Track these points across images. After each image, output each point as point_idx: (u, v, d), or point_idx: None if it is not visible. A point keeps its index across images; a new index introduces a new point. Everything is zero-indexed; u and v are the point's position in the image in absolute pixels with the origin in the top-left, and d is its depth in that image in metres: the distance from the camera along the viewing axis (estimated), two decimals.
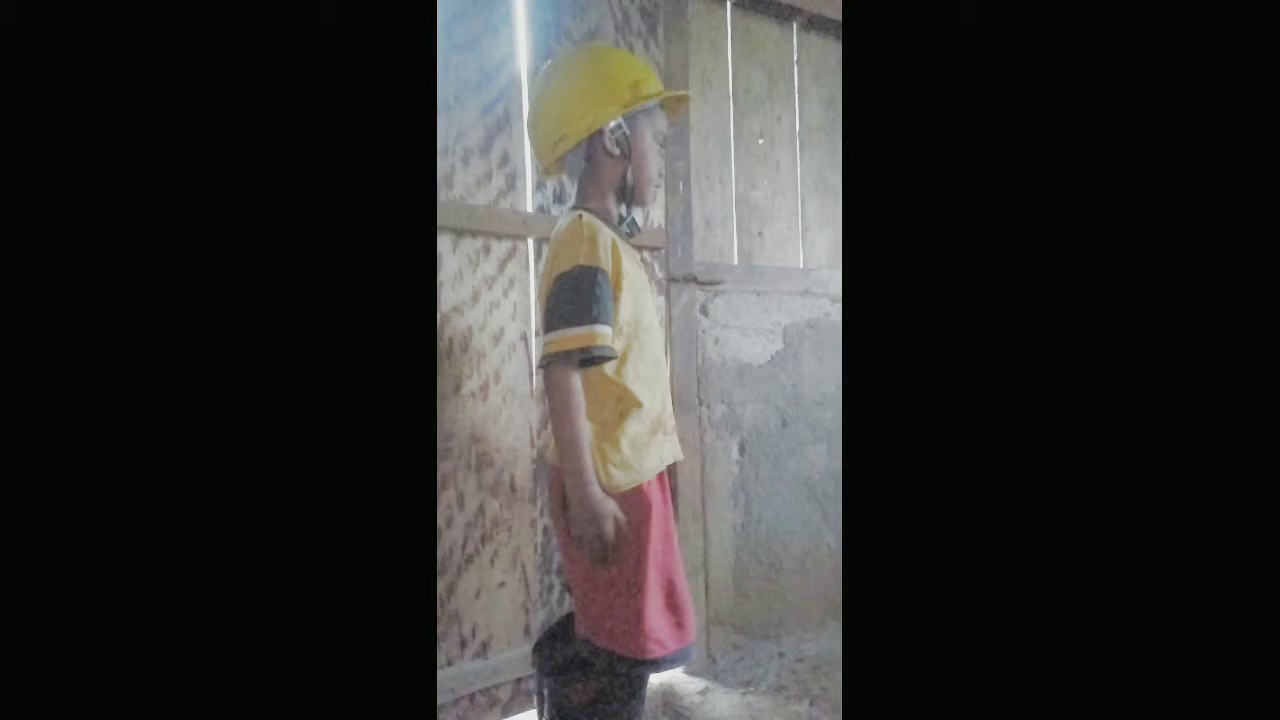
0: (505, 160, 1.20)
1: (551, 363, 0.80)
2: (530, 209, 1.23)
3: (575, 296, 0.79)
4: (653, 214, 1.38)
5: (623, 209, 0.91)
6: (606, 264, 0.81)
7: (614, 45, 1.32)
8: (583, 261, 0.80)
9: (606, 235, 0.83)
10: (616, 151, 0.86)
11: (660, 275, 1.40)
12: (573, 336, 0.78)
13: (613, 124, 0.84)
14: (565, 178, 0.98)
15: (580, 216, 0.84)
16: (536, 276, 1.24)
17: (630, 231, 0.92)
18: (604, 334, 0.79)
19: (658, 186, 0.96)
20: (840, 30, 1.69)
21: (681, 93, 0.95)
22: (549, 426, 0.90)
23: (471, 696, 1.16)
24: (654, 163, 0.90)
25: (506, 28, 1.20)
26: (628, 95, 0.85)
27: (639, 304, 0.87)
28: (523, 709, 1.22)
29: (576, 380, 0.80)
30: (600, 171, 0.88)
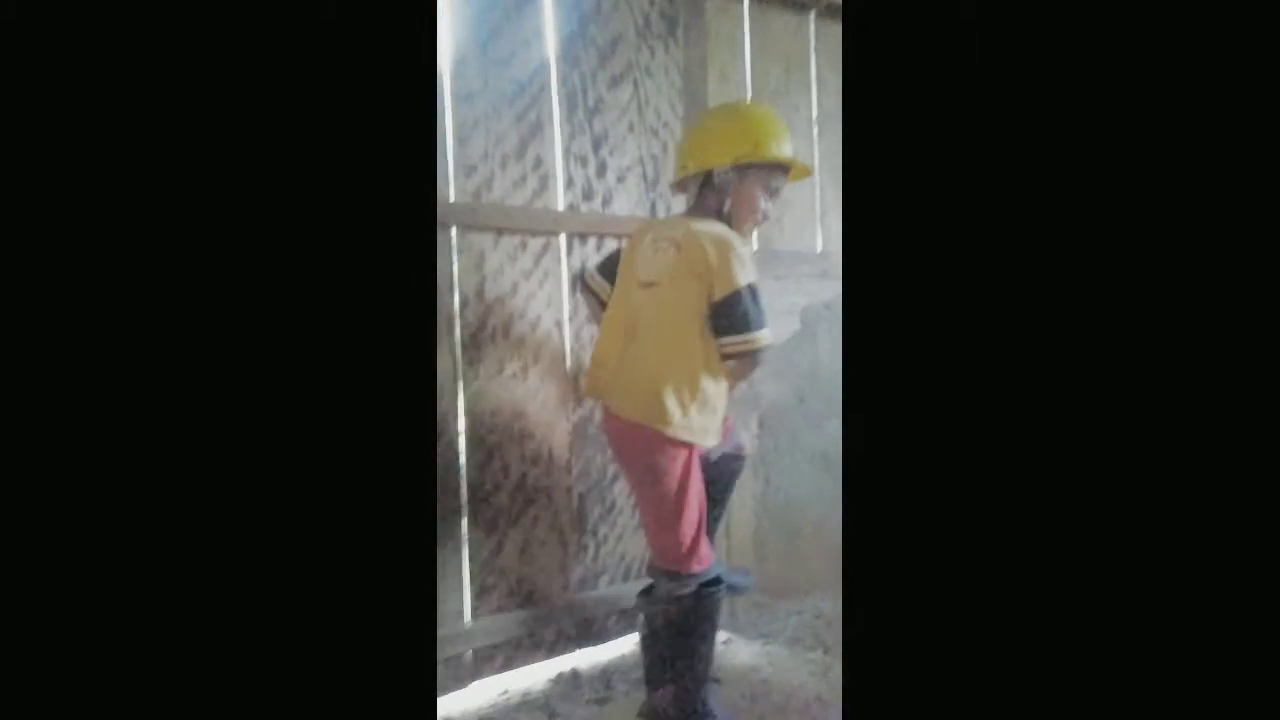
0: (538, 164, 1.32)
1: (750, 355, 1.03)
2: (561, 207, 1.35)
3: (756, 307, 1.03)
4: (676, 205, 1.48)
5: None
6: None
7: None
8: (752, 280, 1.03)
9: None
10: (720, 192, 1.08)
11: None
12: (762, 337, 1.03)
13: (720, 169, 1.06)
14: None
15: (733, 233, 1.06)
16: (569, 269, 1.36)
17: None
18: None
19: (758, 224, 1.15)
20: None
21: (794, 161, 1.10)
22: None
23: (519, 640, 1.33)
24: (754, 209, 1.10)
25: (538, 41, 1.31)
26: (743, 149, 1.06)
27: None
28: (564, 651, 1.38)
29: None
30: (707, 200, 1.10)
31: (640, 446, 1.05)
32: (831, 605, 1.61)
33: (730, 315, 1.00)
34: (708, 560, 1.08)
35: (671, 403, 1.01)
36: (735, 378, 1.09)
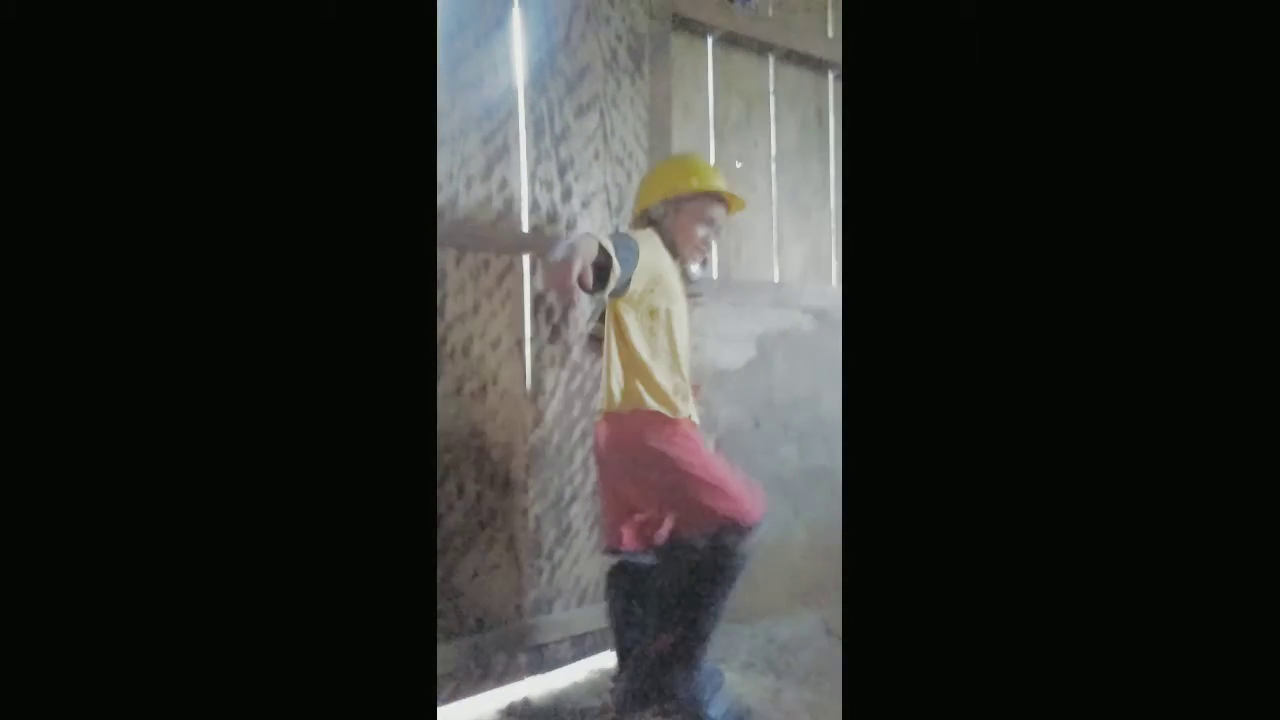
0: (504, 185, 1.33)
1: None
2: (525, 229, 1.36)
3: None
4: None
5: (678, 263, 1.23)
6: (644, 244, 1.10)
7: (607, 96, 1.46)
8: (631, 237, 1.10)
9: (665, 254, 1.17)
10: (659, 225, 1.21)
11: None
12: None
13: (654, 205, 1.21)
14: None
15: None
16: (531, 290, 1.37)
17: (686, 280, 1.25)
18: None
19: (702, 250, 1.26)
20: (812, 63, 1.84)
21: (721, 190, 1.21)
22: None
23: (468, 667, 1.29)
24: (691, 236, 1.22)
25: (506, 67, 1.33)
26: (670, 186, 1.21)
27: (672, 301, 1.17)
28: (514, 679, 1.34)
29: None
30: (657, 232, 1.22)
31: (631, 434, 1.14)
32: (784, 631, 1.63)
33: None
34: (763, 504, 1.16)
35: (621, 387, 1.14)
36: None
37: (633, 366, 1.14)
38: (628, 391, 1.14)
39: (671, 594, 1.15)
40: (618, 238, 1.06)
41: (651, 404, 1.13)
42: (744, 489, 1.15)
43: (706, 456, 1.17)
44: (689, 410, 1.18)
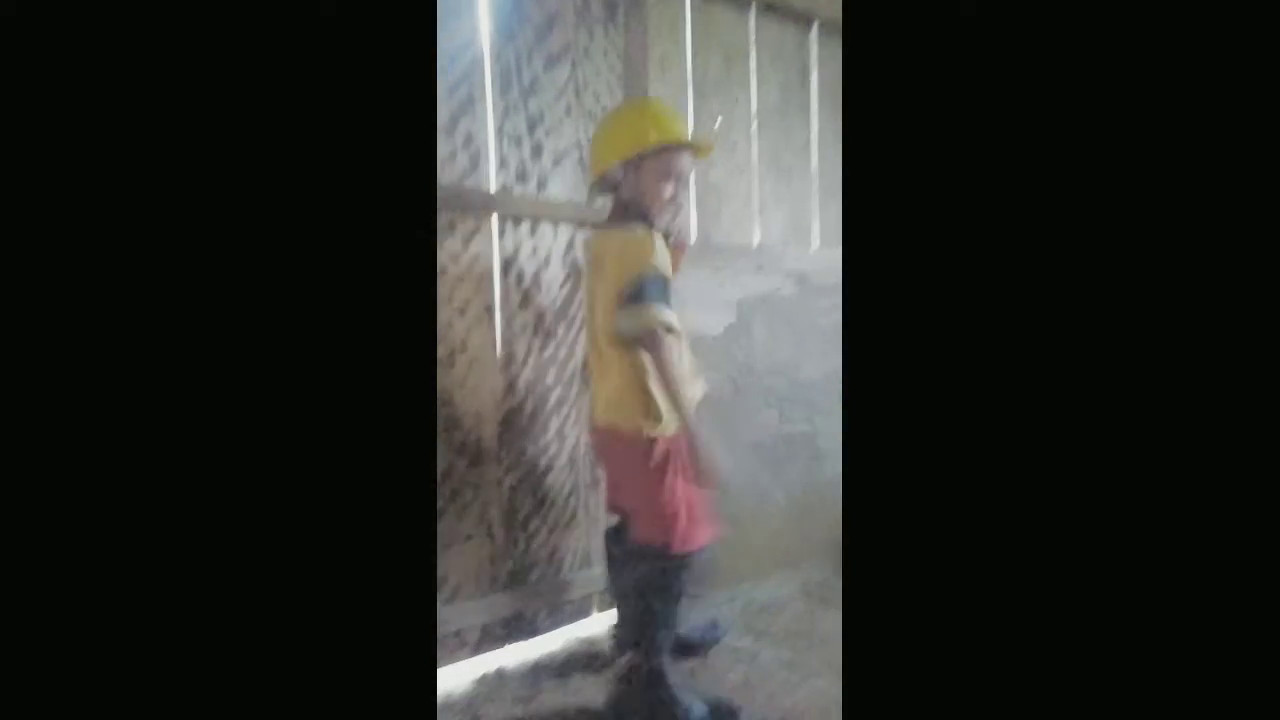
0: (469, 141, 1.26)
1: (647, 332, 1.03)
2: (494, 189, 1.30)
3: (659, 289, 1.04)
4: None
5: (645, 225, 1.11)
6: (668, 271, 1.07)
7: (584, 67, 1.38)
8: (659, 269, 1.04)
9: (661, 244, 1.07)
10: (622, 189, 1.13)
11: None
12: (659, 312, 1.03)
13: (610, 169, 1.09)
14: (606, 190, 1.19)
15: (645, 230, 1.08)
16: (500, 253, 1.31)
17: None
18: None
19: (676, 206, 1.15)
20: (795, 15, 1.76)
21: (682, 139, 1.08)
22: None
23: (442, 639, 1.27)
24: (659, 196, 1.10)
25: (470, 12, 1.25)
26: (625, 144, 1.08)
27: None
28: (490, 649, 1.33)
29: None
30: (618, 200, 1.15)
31: (606, 446, 1.16)
32: (763, 594, 1.64)
33: (629, 293, 1.02)
34: (704, 537, 1.12)
35: (602, 399, 1.13)
36: (651, 359, 1.06)
37: (624, 380, 1.08)
38: (609, 404, 1.12)
39: (625, 608, 1.17)
40: (647, 281, 1.00)
41: (624, 422, 1.09)
42: (686, 518, 1.09)
43: (658, 480, 1.08)
44: (663, 428, 1.08)
